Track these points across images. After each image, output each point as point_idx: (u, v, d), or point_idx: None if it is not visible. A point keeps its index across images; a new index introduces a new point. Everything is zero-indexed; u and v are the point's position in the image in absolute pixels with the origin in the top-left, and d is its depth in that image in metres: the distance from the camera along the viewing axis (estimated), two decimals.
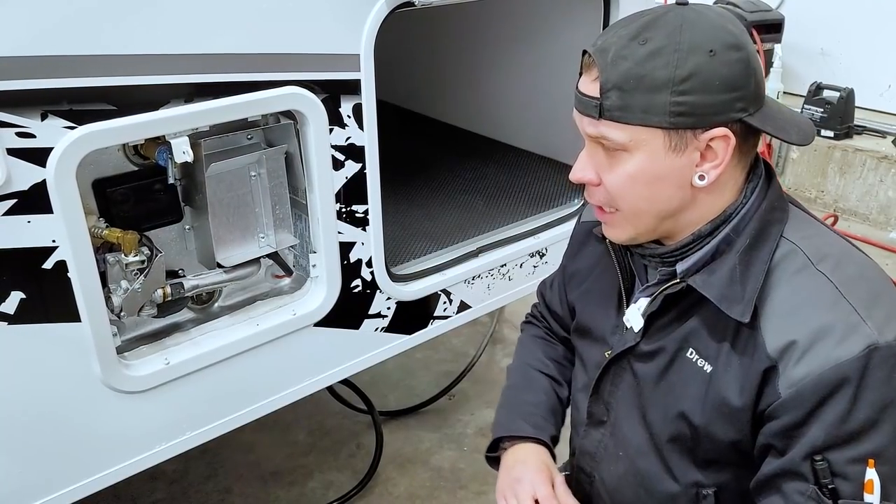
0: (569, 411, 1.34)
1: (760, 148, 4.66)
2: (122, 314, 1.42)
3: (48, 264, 1.25)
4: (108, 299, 1.38)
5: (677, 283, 1.04)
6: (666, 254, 1.06)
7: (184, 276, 1.53)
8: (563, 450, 1.32)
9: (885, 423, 0.91)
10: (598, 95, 0.95)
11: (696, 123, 0.94)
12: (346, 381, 2.47)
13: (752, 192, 1.02)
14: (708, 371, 1.02)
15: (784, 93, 4.50)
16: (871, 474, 0.90)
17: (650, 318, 1.09)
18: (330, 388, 2.44)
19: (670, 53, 0.92)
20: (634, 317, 1.11)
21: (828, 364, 0.91)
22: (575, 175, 1.05)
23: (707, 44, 0.92)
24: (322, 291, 1.65)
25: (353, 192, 1.62)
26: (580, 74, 1.00)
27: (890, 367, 0.91)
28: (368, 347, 1.81)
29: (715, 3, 4.69)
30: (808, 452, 0.93)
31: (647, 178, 0.98)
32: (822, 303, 0.94)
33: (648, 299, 1.09)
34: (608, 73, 0.94)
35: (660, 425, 1.09)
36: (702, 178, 0.97)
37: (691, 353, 1.04)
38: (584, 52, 0.99)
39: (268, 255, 1.61)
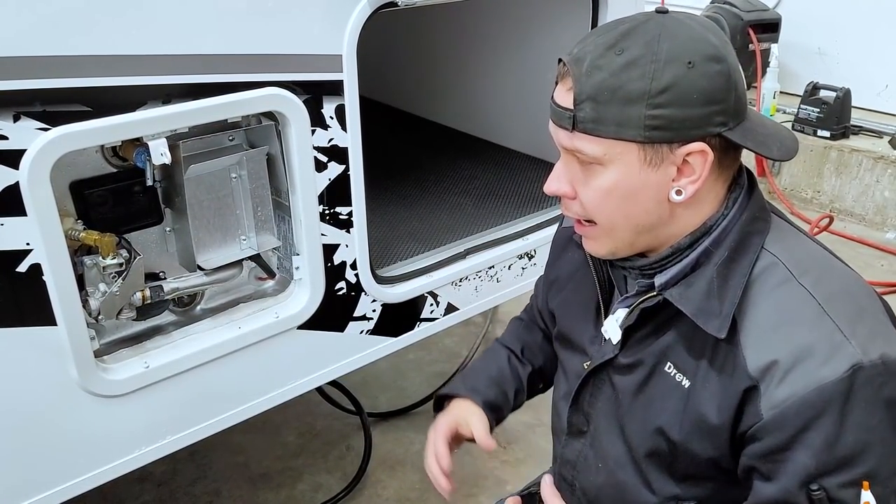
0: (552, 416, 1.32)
1: None
2: (100, 317, 1.40)
3: (22, 267, 1.23)
4: (85, 302, 1.37)
5: (654, 295, 1.02)
6: (645, 266, 1.03)
7: (164, 278, 1.52)
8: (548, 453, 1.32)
9: (875, 444, 0.88)
10: (572, 107, 0.93)
11: (672, 138, 0.91)
12: (335, 383, 2.46)
13: (734, 203, 0.99)
14: (686, 386, 1.00)
15: (781, 92, 4.49)
16: (868, 496, 0.87)
17: (628, 330, 1.07)
18: (319, 390, 2.43)
19: (647, 64, 0.89)
20: (612, 328, 1.09)
21: (811, 385, 0.88)
22: (549, 188, 1.02)
23: (686, 55, 0.89)
24: (306, 294, 1.63)
25: (336, 193, 1.61)
26: (556, 83, 0.97)
27: (876, 387, 0.88)
28: (354, 350, 1.79)
29: (712, 2, 4.68)
30: (803, 481, 0.89)
31: (622, 193, 0.95)
32: (805, 320, 0.92)
33: (626, 311, 1.07)
34: (582, 83, 0.91)
35: (638, 439, 1.06)
36: (679, 193, 0.95)
37: (669, 368, 1.02)
38: (560, 60, 0.96)
39: (250, 258, 1.59)
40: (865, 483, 0.88)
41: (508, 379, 1.35)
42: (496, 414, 1.32)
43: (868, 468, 0.88)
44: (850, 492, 0.89)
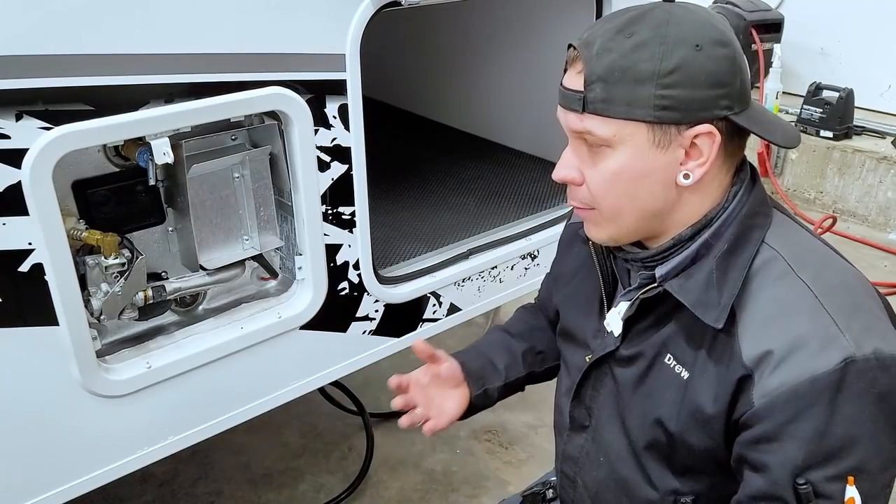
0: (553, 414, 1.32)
1: (759, 149, 4.57)
2: (102, 317, 1.40)
3: (24, 267, 1.23)
4: (87, 302, 1.36)
5: (654, 287, 1.02)
6: (647, 258, 1.04)
7: (166, 278, 1.51)
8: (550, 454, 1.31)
9: (863, 439, 0.88)
10: (583, 88, 0.94)
11: (680, 118, 0.92)
12: (337, 383, 2.46)
13: (735, 195, 1.00)
14: (685, 378, 1.00)
15: (783, 93, 4.48)
16: (852, 492, 0.88)
17: (629, 322, 1.08)
18: (321, 390, 2.43)
19: (656, 46, 0.90)
20: (614, 321, 1.10)
21: (803, 376, 0.88)
22: (558, 174, 1.03)
23: (693, 38, 0.91)
24: (308, 294, 1.63)
25: (339, 193, 1.60)
26: (565, 70, 0.99)
27: (867, 381, 0.88)
28: (356, 350, 1.79)
29: (715, 2, 4.67)
30: (791, 473, 0.90)
31: (630, 176, 0.96)
32: (801, 312, 0.92)
33: (628, 303, 1.07)
34: (592, 65, 0.93)
35: (637, 431, 1.07)
36: (686, 176, 0.95)
37: (669, 359, 1.02)
38: (570, 45, 0.98)
39: (253, 258, 1.59)
40: (850, 478, 0.88)
41: (498, 352, 1.36)
42: (481, 381, 1.32)
43: (856, 462, 0.89)
44: (836, 486, 0.89)
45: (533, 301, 1.50)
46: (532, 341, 1.39)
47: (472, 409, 1.32)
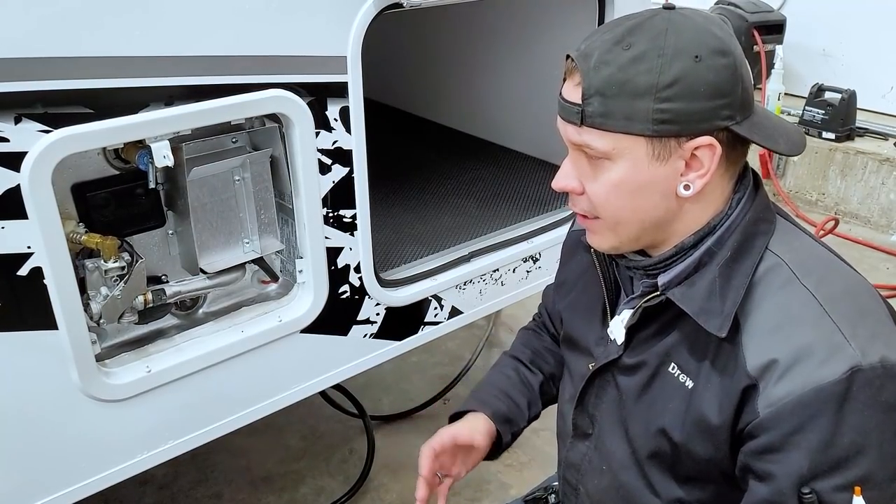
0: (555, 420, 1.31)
1: (760, 150, 4.54)
2: (101, 321, 1.39)
3: (23, 271, 1.22)
4: (87, 306, 1.36)
5: (657, 295, 1.01)
6: (649, 266, 1.03)
7: (166, 281, 1.50)
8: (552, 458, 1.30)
9: (870, 448, 0.87)
10: (580, 101, 0.93)
11: (680, 131, 0.91)
12: (338, 386, 2.44)
13: (738, 202, 0.99)
14: (689, 387, 0.99)
15: (785, 94, 4.47)
16: (859, 502, 0.86)
17: (632, 330, 1.07)
18: (322, 392, 2.41)
19: (654, 58, 0.89)
20: (617, 329, 1.09)
21: (809, 385, 0.87)
22: (557, 184, 1.02)
23: (693, 49, 0.89)
24: (309, 297, 1.62)
25: (340, 196, 1.59)
26: (563, 80, 0.97)
27: (874, 390, 0.87)
28: (357, 354, 1.78)
29: (716, 3, 4.66)
30: (796, 483, 0.89)
31: (630, 188, 0.95)
32: (806, 320, 0.91)
33: (631, 311, 1.07)
34: (590, 78, 0.92)
35: (641, 440, 1.06)
36: (687, 187, 0.95)
37: (673, 368, 1.01)
38: (567, 56, 0.96)
39: (253, 261, 1.58)
40: (857, 488, 0.87)
41: (519, 390, 1.34)
42: (509, 426, 1.30)
43: (863, 471, 0.88)
44: (842, 496, 0.88)
45: (531, 322, 1.49)
46: (542, 366, 1.38)
47: (495, 454, 1.32)
